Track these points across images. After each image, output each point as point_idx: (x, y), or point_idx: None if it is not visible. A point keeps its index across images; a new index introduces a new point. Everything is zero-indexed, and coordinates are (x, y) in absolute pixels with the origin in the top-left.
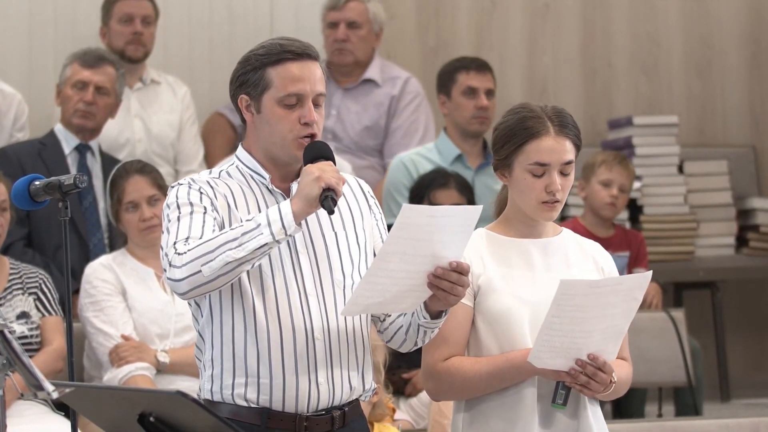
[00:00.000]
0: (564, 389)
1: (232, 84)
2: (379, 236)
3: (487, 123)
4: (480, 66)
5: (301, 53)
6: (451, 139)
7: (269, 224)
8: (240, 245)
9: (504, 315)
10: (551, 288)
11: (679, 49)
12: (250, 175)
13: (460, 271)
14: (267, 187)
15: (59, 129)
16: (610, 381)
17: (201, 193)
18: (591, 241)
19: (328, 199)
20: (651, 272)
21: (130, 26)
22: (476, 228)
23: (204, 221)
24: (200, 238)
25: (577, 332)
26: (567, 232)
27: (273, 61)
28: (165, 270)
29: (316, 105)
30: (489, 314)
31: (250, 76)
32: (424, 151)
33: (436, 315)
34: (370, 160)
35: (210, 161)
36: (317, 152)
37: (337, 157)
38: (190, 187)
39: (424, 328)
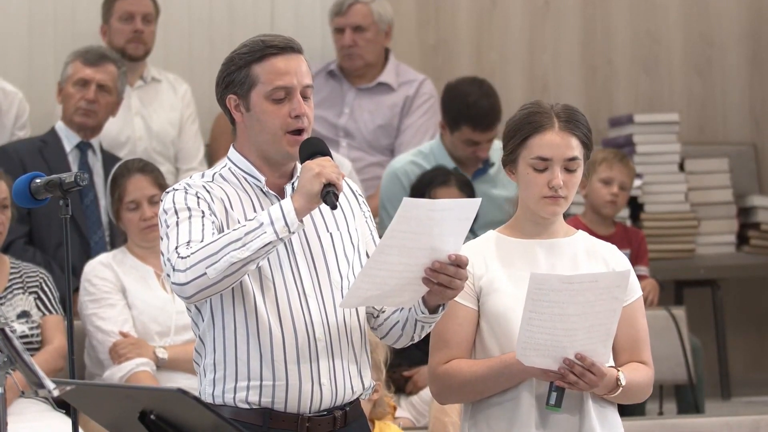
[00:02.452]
0: (556, 390)
1: (219, 86)
2: (369, 233)
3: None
4: (488, 125)
5: (285, 47)
6: (447, 150)
7: (272, 222)
8: (244, 245)
9: (504, 315)
10: None
11: (680, 46)
12: (244, 177)
13: (458, 263)
14: (261, 190)
15: (60, 127)
16: (617, 385)
17: (198, 197)
18: (605, 243)
19: (329, 194)
20: (629, 270)
21: (131, 24)
22: (486, 232)
23: (203, 224)
24: (201, 241)
25: (559, 330)
26: (580, 235)
27: (257, 57)
28: (168, 275)
29: (305, 97)
30: (490, 315)
31: (236, 75)
32: (419, 159)
33: (434, 309)
34: (379, 157)
35: (221, 157)
36: (314, 148)
37: (336, 155)
38: (186, 192)
39: (422, 323)
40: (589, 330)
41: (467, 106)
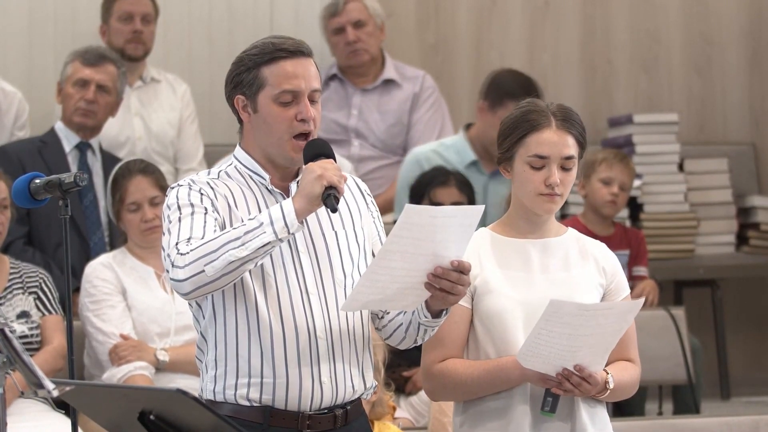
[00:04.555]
0: (551, 396)
1: (227, 86)
2: (377, 234)
3: None
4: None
5: (295, 50)
6: (470, 143)
7: (272, 223)
8: (243, 244)
9: (499, 316)
10: (547, 289)
11: (679, 46)
12: (249, 175)
13: (461, 270)
14: (266, 188)
15: (60, 127)
16: (605, 387)
17: (201, 194)
18: (595, 241)
19: (330, 197)
20: (643, 299)
21: (130, 24)
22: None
23: (205, 221)
24: (202, 238)
25: (565, 346)
26: (571, 232)
27: (266, 60)
28: (167, 270)
29: (312, 101)
30: (484, 315)
31: (245, 76)
32: (441, 149)
33: (437, 314)
34: (392, 158)
35: None
36: (318, 150)
37: (337, 156)
38: (190, 188)
39: (425, 327)
40: (592, 346)
41: (513, 81)
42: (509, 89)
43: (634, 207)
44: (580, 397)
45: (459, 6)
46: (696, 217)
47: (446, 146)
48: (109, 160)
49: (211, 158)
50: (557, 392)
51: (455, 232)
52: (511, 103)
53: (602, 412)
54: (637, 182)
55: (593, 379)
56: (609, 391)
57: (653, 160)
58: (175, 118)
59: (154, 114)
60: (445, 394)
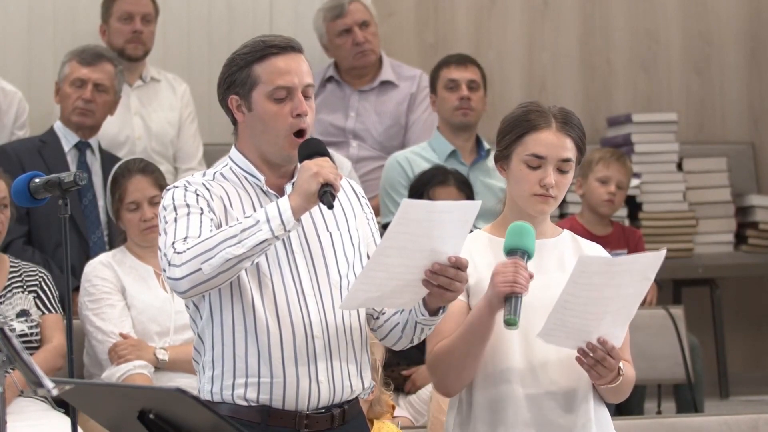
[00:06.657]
0: (509, 299)
1: (220, 87)
2: (371, 235)
3: (472, 114)
4: (461, 59)
5: (285, 47)
6: (444, 136)
7: (268, 220)
8: (239, 242)
9: None
10: (541, 290)
11: (678, 45)
12: (244, 176)
13: (458, 266)
14: (261, 189)
15: (59, 126)
16: (618, 374)
17: (197, 194)
18: (591, 243)
19: (327, 194)
20: (665, 251)
21: (130, 25)
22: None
23: (201, 221)
24: (198, 237)
25: (590, 313)
26: (566, 234)
27: (258, 57)
28: (164, 270)
29: (306, 96)
30: None
31: (237, 75)
32: (418, 150)
33: (434, 311)
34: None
35: None
36: (313, 149)
37: (335, 155)
38: (186, 189)
39: (422, 325)
40: (615, 313)
41: (443, 59)
42: (440, 62)
43: (633, 206)
44: (603, 375)
45: (458, 5)
46: (695, 216)
47: (423, 147)
48: (108, 159)
49: (210, 158)
50: (579, 361)
51: (452, 227)
52: (444, 70)
53: (605, 413)
54: (636, 181)
55: (616, 353)
56: (620, 378)
57: (652, 160)
58: (175, 118)
59: (154, 113)
60: (446, 374)
